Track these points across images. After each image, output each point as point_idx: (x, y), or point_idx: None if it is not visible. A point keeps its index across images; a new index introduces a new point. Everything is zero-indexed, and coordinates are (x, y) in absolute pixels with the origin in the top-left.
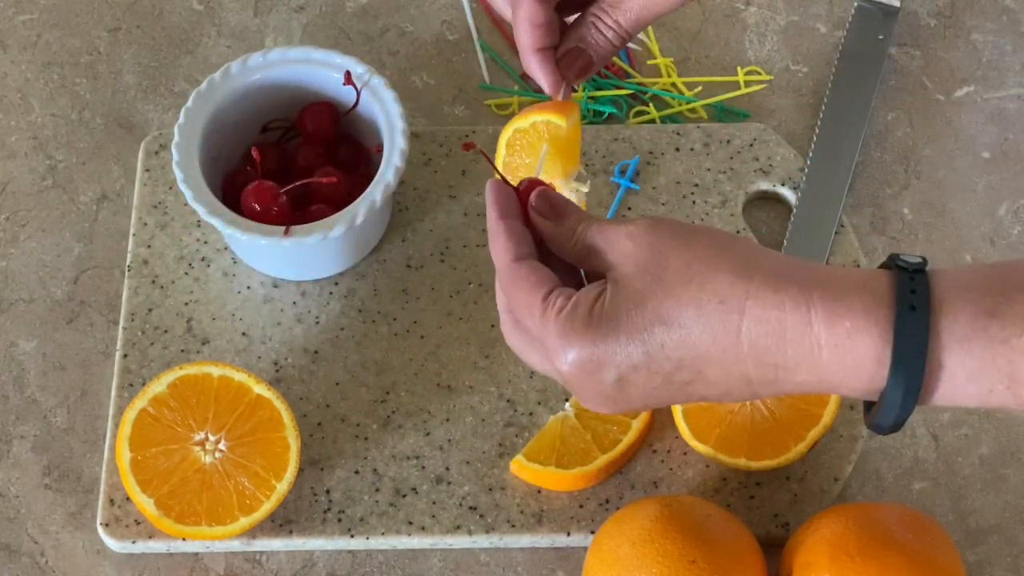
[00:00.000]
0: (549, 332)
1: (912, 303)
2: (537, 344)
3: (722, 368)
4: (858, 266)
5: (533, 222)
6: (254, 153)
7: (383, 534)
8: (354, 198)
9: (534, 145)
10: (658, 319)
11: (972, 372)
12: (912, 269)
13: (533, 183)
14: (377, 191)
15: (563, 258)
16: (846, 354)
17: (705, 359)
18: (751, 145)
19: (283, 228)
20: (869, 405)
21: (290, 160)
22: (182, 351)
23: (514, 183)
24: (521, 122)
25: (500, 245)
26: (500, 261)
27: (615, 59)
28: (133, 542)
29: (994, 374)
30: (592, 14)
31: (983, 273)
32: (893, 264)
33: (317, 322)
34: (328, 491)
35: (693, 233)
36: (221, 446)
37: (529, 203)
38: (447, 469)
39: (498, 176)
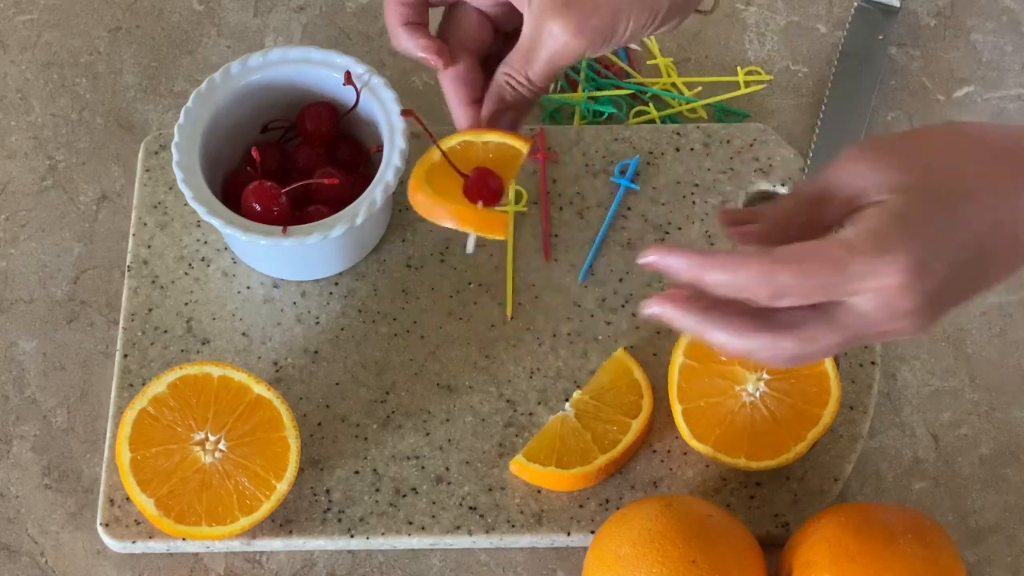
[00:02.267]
0: (857, 258)
1: None
2: (836, 289)
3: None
4: None
5: (736, 236)
6: (254, 153)
7: (383, 534)
8: (354, 198)
9: (472, 159)
10: (955, 195)
11: None
12: None
13: (481, 172)
14: (377, 191)
15: (788, 237)
16: None
17: (1004, 241)
18: (751, 145)
19: (281, 228)
20: None
21: (290, 160)
22: (182, 351)
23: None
24: (473, 137)
25: (755, 271)
26: (770, 272)
27: (615, 59)
28: (133, 542)
29: None
30: (504, 74)
31: None
32: None
33: (317, 322)
34: (328, 491)
35: (935, 134)
36: (221, 446)
37: (727, 229)
38: (447, 469)
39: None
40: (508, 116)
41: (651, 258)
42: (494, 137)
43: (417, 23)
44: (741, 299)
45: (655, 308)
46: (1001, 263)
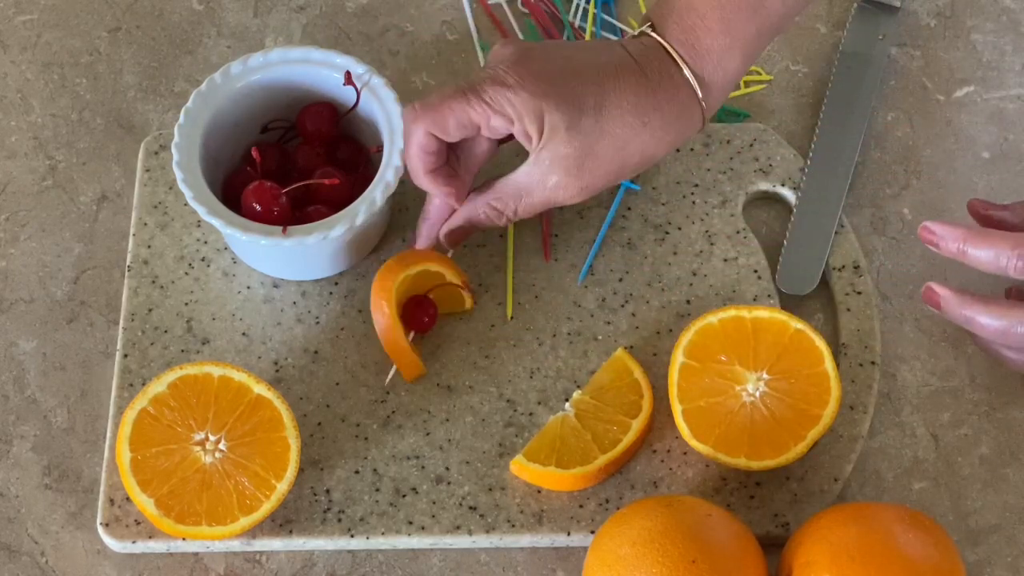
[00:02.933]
0: None
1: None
2: None
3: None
4: (857, 267)
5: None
6: (254, 153)
7: (383, 534)
8: (354, 198)
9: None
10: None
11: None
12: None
13: (415, 300)
14: (377, 191)
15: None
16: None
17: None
18: (751, 145)
19: (281, 228)
20: None
21: (290, 160)
22: (182, 351)
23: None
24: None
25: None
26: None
27: None
28: (133, 542)
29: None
30: (490, 204)
31: None
32: None
33: (317, 322)
34: (328, 491)
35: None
36: (221, 446)
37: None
38: (447, 469)
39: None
40: (464, 233)
41: (929, 227)
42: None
43: (439, 168)
44: (994, 273)
45: (934, 287)
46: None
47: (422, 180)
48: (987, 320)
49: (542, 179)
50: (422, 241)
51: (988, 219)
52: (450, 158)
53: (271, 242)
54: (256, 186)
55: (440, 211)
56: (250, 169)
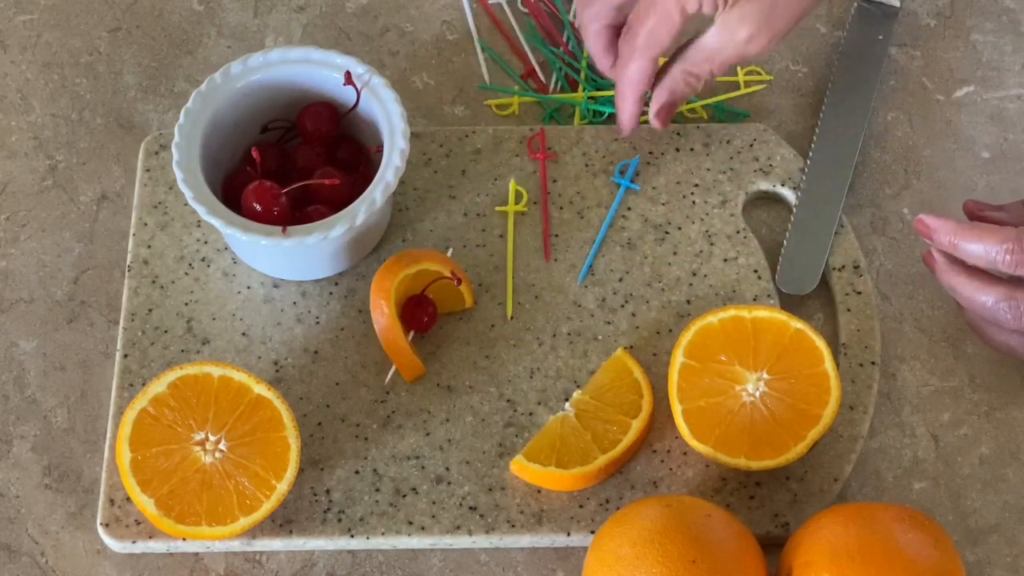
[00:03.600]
0: None
1: None
2: None
3: None
4: (857, 267)
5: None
6: (254, 153)
7: (383, 534)
8: (354, 198)
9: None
10: None
11: None
12: None
13: (416, 300)
14: (377, 191)
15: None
16: None
17: None
18: (751, 145)
19: (282, 228)
20: None
21: (290, 160)
22: (182, 351)
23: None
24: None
25: (985, 235)
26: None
27: None
28: (133, 542)
29: None
30: (685, 71)
31: None
32: None
33: (317, 322)
34: (328, 491)
35: None
36: (221, 446)
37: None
38: (447, 469)
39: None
40: (672, 110)
41: (924, 220)
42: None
43: (645, 95)
44: (985, 267)
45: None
46: None
47: (631, 105)
48: (971, 292)
49: (732, 36)
50: (627, 121)
51: (983, 220)
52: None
53: (271, 242)
54: (256, 186)
55: (636, 88)
56: (250, 169)
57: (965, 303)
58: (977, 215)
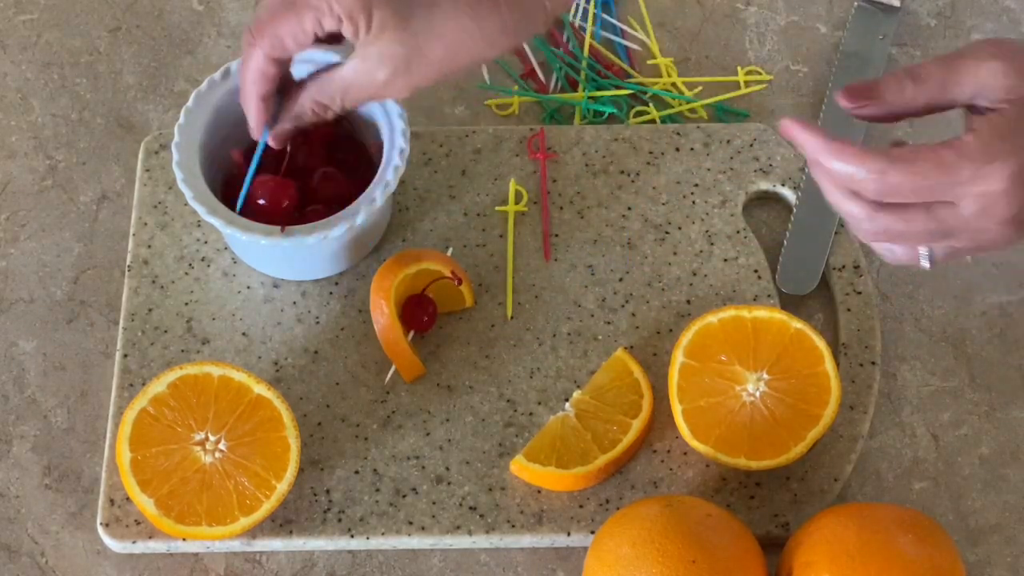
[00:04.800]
0: (965, 164)
1: None
2: (943, 190)
3: None
4: (857, 267)
5: (858, 115)
6: (235, 155)
7: (383, 534)
8: (354, 198)
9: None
10: None
11: None
12: None
13: (415, 300)
14: (377, 191)
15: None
16: None
17: None
18: (751, 145)
19: (281, 228)
20: None
21: (290, 160)
22: (182, 351)
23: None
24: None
25: (856, 157)
26: (877, 165)
27: (615, 59)
28: (133, 542)
29: None
30: (314, 100)
31: None
32: None
33: (317, 322)
34: (328, 491)
35: None
36: (221, 446)
37: (844, 106)
38: (447, 469)
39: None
40: (289, 133)
41: (789, 126)
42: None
43: (269, 96)
44: (853, 189)
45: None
46: None
47: (253, 105)
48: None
49: (370, 74)
50: (256, 127)
51: (861, 115)
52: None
53: (271, 242)
54: (264, 180)
55: (253, 87)
56: (236, 172)
57: (829, 180)
58: (852, 102)
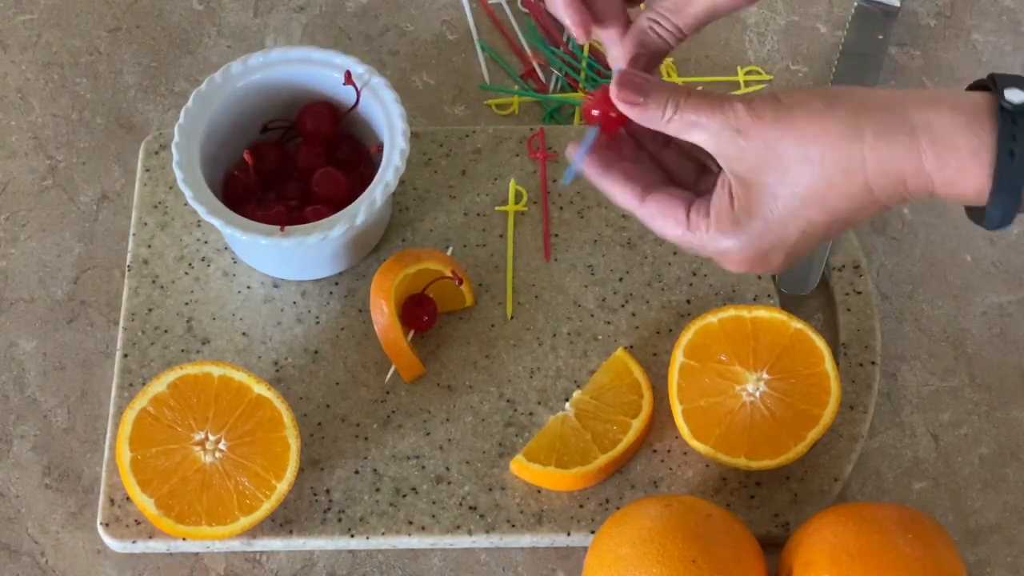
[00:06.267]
0: (708, 249)
1: (1012, 148)
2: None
3: (863, 212)
4: (857, 267)
5: (621, 110)
6: (247, 156)
7: (383, 534)
8: (354, 198)
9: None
10: (800, 204)
11: None
12: (1014, 111)
13: (600, 95)
14: (377, 191)
15: (658, 132)
16: (954, 189)
17: (847, 216)
18: None
19: (281, 228)
20: (971, 210)
21: (290, 160)
22: (182, 351)
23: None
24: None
25: (619, 194)
26: (630, 207)
27: None
28: (133, 542)
29: None
30: (650, 19)
31: None
32: (994, 83)
33: (317, 322)
34: (328, 491)
35: (790, 111)
36: (221, 446)
37: (612, 94)
38: (447, 469)
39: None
40: (643, 59)
41: (570, 150)
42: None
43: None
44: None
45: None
46: (855, 220)
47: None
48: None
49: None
50: (576, 26)
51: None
52: None
53: (271, 242)
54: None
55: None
56: (237, 173)
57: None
58: (621, 93)
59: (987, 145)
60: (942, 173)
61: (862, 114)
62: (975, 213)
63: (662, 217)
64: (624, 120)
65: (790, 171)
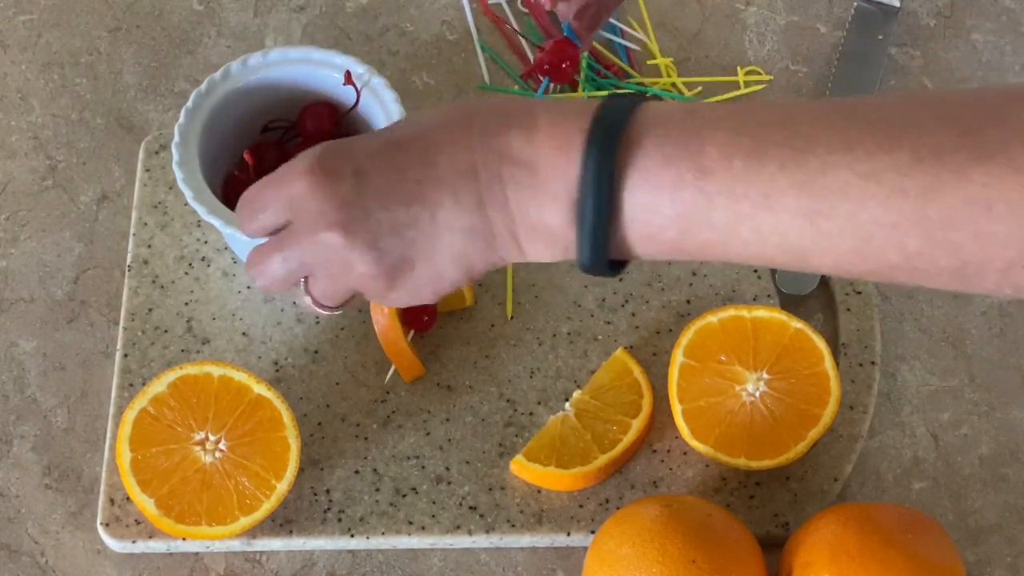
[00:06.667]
0: (289, 165)
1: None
2: (279, 239)
3: (451, 155)
4: None
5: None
6: (247, 156)
7: (383, 534)
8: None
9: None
10: (396, 125)
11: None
12: (618, 106)
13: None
14: None
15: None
16: (554, 162)
17: (437, 143)
18: None
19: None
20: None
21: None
22: (182, 351)
23: None
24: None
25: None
26: (241, 215)
27: (615, 59)
28: (133, 542)
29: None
30: None
31: (686, 109)
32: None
33: (317, 322)
34: (328, 491)
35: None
36: (221, 446)
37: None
38: (447, 469)
39: None
40: (592, 11)
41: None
42: None
43: None
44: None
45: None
46: (443, 163)
47: None
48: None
49: None
50: None
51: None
52: None
53: None
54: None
55: None
56: (238, 173)
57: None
58: None
59: (579, 128)
60: (549, 134)
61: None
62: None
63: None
64: (574, 71)
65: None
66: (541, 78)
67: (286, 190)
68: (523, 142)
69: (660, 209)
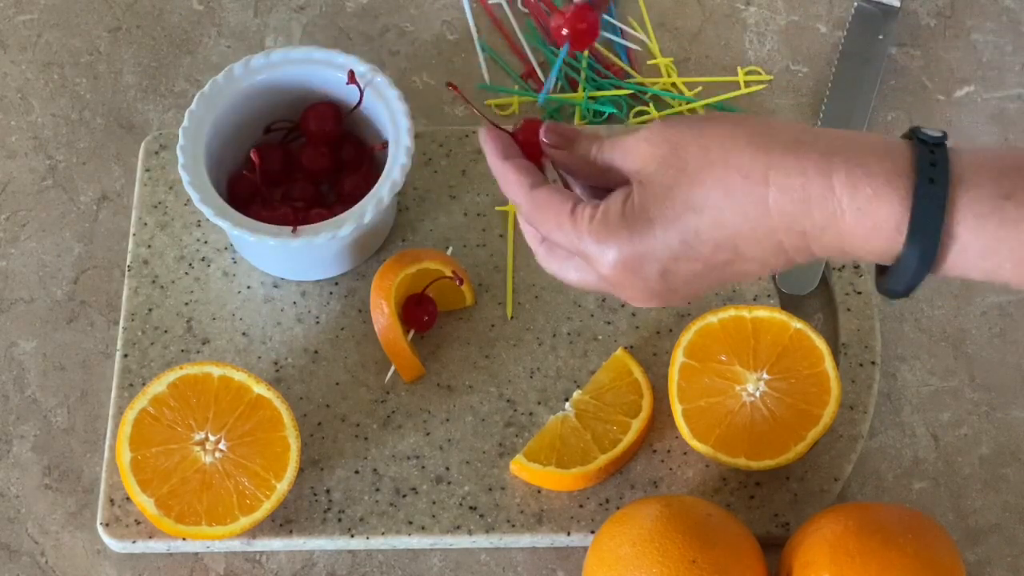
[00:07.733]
0: (585, 241)
1: (931, 176)
2: (575, 260)
3: (756, 241)
4: (857, 267)
5: (548, 155)
6: (253, 156)
7: (383, 534)
8: (358, 197)
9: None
10: (688, 207)
11: (984, 248)
12: (933, 142)
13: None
14: (384, 189)
15: (584, 182)
16: (867, 219)
17: (739, 235)
18: None
19: (291, 228)
20: (883, 269)
21: (294, 160)
22: (182, 351)
23: None
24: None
25: (513, 181)
26: (518, 195)
27: (615, 59)
28: (133, 542)
29: (1005, 252)
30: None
31: (1001, 156)
32: (914, 136)
33: (317, 322)
34: (328, 491)
35: (706, 120)
36: (221, 446)
37: (541, 139)
38: (447, 469)
39: (489, 124)
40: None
41: (482, 135)
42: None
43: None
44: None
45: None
46: (749, 249)
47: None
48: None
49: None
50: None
51: (555, 159)
52: None
53: (279, 243)
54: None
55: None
56: (246, 173)
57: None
58: (551, 142)
59: (904, 170)
60: (853, 199)
61: (774, 128)
62: (883, 281)
63: (546, 207)
64: (594, 34)
65: (695, 175)
66: (559, 45)
67: (591, 274)
68: (833, 233)
69: (973, 276)
